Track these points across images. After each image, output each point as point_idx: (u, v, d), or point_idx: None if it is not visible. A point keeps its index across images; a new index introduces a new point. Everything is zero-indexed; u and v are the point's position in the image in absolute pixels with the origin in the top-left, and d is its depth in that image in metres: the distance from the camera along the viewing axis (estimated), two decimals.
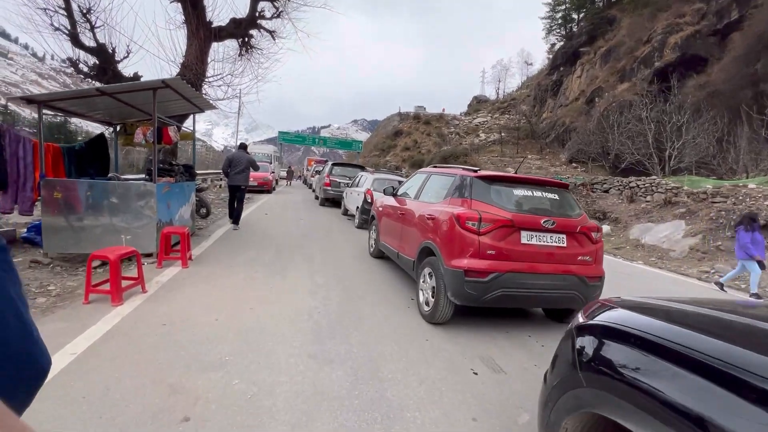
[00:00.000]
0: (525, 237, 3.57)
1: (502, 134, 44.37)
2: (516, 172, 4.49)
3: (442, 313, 3.66)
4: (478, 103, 65.06)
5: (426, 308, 3.90)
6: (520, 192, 3.86)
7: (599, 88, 38.35)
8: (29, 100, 4.83)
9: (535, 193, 3.91)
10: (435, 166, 5.39)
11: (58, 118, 15.12)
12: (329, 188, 13.77)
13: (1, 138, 4.61)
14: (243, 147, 8.71)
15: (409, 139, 44.70)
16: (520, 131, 44.56)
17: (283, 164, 37.08)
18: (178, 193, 5.97)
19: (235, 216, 8.06)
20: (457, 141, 46.19)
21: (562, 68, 47.83)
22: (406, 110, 51.14)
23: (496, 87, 64.80)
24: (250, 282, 4.55)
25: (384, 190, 5.96)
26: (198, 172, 15.72)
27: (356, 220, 9.78)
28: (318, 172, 18.95)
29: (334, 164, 14.84)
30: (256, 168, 8.84)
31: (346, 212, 11.93)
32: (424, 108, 52.54)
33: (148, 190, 5.01)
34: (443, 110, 50.54)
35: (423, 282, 4.04)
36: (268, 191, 17.71)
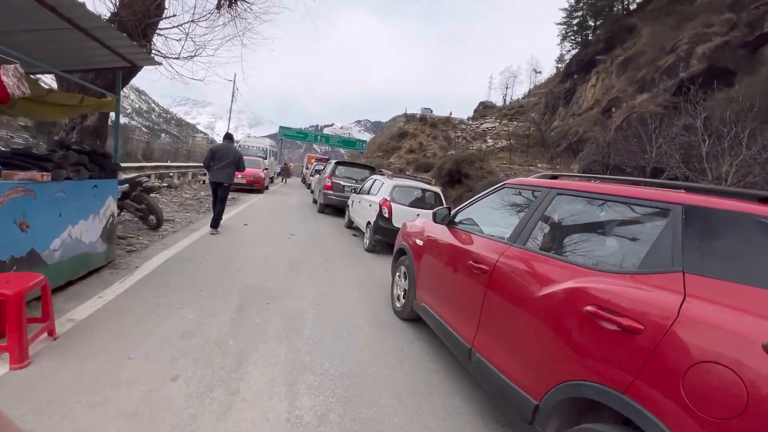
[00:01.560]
0: None
1: (511, 141, 41.92)
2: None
3: None
4: (485, 109, 62.78)
5: None
6: None
7: (616, 98, 36.09)
8: None
9: None
10: (554, 177, 2.62)
11: None
12: (331, 192, 11.06)
13: None
14: (229, 138, 7.38)
15: (414, 142, 42.06)
16: (530, 139, 42.13)
17: (281, 161, 34.24)
18: (65, 200, 3.24)
19: (213, 218, 6.84)
20: (463, 146, 43.73)
21: (575, 76, 45.63)
22: (412, 112, 48.45)
23: (503, 93, 62.33)
24: (153, 416, 1.87)
25: (434, 212, 3.24)
26: (167, 164, 12.92)
27: (366, 241, 7.08)
28: (318, 172, 15.97)
29: (338, 163, 12.09)
30: (242, 168, 7.37)
31: (351, 224, 9.24)
32: (431, 110, 49.84)
33: None
34: (450, 113, 47.85)
35: None
36: (259, 191, 14.90)
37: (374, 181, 7.98)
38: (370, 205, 7.24)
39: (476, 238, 2.64)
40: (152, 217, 6.12)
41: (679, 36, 32.90)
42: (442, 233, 3.14)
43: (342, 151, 60.61)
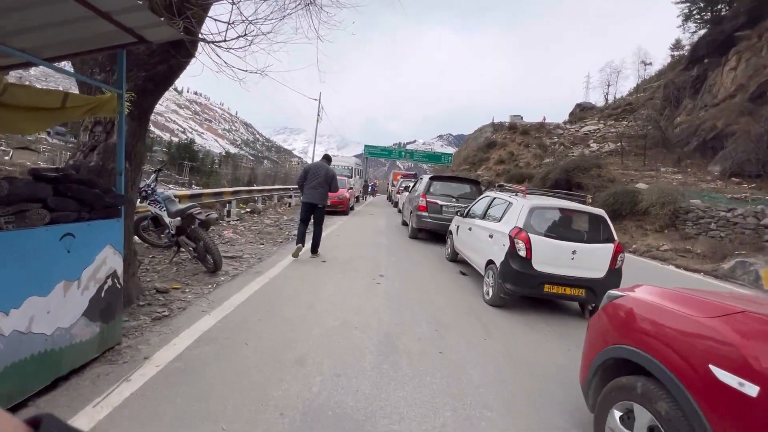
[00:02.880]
0: None
1: (622, 143, 35.79)
2: None
3: None
4: (582, 111, 55.81)
5: None
6: None
7: None
8: None
9: None
10: None
11: None
12: (426, 215, 8.95)
13: None
14: (326, 158, 7.17)
15: (503, 151, 38.29)
16: (647, 139, 35.50)
17: (367, 179, 33.54)
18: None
19: (313, 243, 6.76)
20: (561, 152, 38.55)
21: (706, 60, 37.81)
22: (500, 120, 44.62)
23: (604, 92, 54.58)
24: None
25: None
26: (249, 188, 12.27)
27: (488, 289, 4.70)
28: (407, 189, 14.01)
29: (433, 178, 9.93)
30: (335, 188, 6.89)
31: (455, 257, 6.96)
32: (521, 117, 45.38)
33: None
34: (543, 119, 42.86)
35: None
36: (344, 212, 13.54)
37: (493, 200, 5.63)
38: (490, 237, 4.96)
39: None
40: (209, 260, 4.71)
41: None
42: None
43: (425, 166, 58.77)
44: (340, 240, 8.47)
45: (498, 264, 4.50)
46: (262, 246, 7.07)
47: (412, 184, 12.87)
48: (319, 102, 15.52)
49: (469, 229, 6.02)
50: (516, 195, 5.18)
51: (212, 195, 9.92)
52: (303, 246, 6.41)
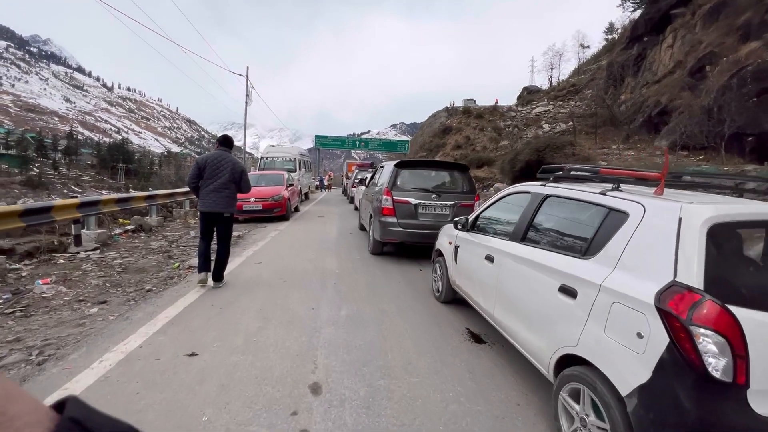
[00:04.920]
0: None
1: (574, 122, 35.44)
2: None
3: None
4: (529, 94, 55.98)
5: None
6: None
7: (709, 53, 28.82)
8: None
9: None
10: None
11: None
12: (394, 221, 6.17)
13: None
14: (227, 143, 4.89)
15: (460, 136, 36.60)
16: (597, 118, 35.36)
17: (320, 173, 30.06)
18: None
19: (215, 267, 4.75)
20: (516, 134, 37.68)
21: (645, 38, 38.33)
22: (453, 105, 42.67)
23: (548, 75, 54.76)
24: None
25: None
26: (140, 194, 8.70)
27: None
28: (363, 182, 10.84)
29: (400, 165, 6.70)
30: (245, 188, 4.79)
31: (453, 297, 4.18)
32: (474, 101, 43.82)
33: None
34: (496, 101, 41.60)
35: None
36: (282, 217, 10.40)
37: (553, 201, 2.78)
38: (570, 297, 2.14)
39: None
40: None
41: None
42: None
43: (381, 155, 55.73)
44: (263, 270, 5.44)
45: (631, 386, 1.69)
46: (93, 312, 3.84)
47: (369, 176, 9.80)
48: (247, 78, 12.49)
49: (490, 259, 3.20)
50: (630, 194, 2.17)
51: (116, 202, 7.47)
52: (208, 273, 4.70)
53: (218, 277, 4.77)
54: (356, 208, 12.32)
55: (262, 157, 15.48)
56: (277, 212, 10.07)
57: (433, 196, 6.21)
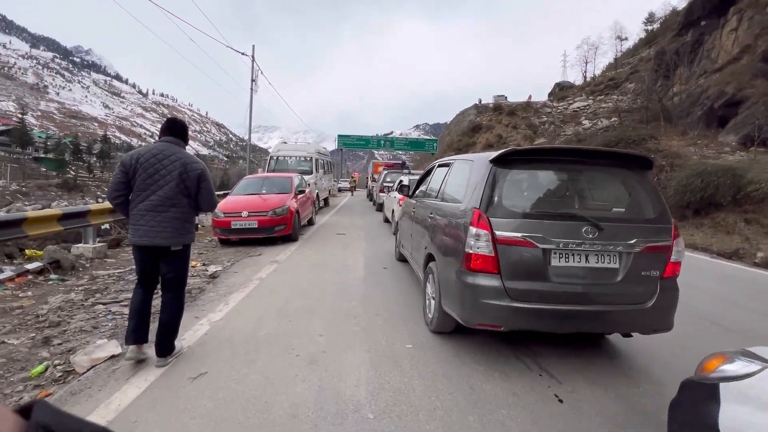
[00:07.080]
0: None
1: (621, 117, 32.48)
2: None
3: None
4: (561, 90, 52.77)
5: None
6: None
7: None
8: None
9: None
10: None
11: None
12: (496, 284, 2.76)
13: None
14: (178, 132, 2.87)
15: (491, 134, 34.24)
16: (648, 112, 32.16)
17: (342, 174, 28.39)
18: None
19: (159, 334, 2.78)
20: (554, 131, 34.90)
21: (703, 23, 34.52)
22: (483, 102, 40.23)
23: (582, 69, 51.05)
24: None
25: None
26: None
27: None
28: (402, 189, 6.25)
29: (501, 160, 2.98)
30: (208, 203, 2.90)
31: None
32: (506, 97, 41.22)
33: None
34: (529, 97, 38.86)
35: None
36: (289, 237, 7.65)
37: None
38: None
39: None
40: None
41: None
42: None
43: (405, 155, 53.66)
44: (206, 397, 2.35)
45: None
46: None
47: (400, 180, 7.53)
48: (253, 59, 11.05)
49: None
50: None
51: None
52: (144, 344, 2.82)
53: (165, 350, 2.85)
54: (386, 220, 9.99)
55: (271, 157, 12.95)
56: (279, 231, 7.28)
57: (585, 229, 2.81)
